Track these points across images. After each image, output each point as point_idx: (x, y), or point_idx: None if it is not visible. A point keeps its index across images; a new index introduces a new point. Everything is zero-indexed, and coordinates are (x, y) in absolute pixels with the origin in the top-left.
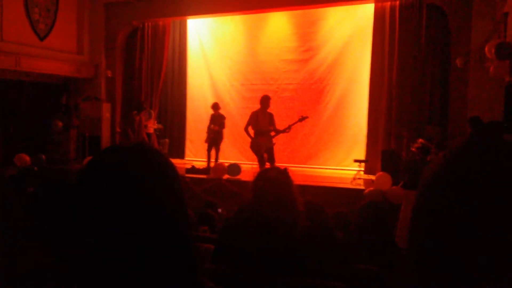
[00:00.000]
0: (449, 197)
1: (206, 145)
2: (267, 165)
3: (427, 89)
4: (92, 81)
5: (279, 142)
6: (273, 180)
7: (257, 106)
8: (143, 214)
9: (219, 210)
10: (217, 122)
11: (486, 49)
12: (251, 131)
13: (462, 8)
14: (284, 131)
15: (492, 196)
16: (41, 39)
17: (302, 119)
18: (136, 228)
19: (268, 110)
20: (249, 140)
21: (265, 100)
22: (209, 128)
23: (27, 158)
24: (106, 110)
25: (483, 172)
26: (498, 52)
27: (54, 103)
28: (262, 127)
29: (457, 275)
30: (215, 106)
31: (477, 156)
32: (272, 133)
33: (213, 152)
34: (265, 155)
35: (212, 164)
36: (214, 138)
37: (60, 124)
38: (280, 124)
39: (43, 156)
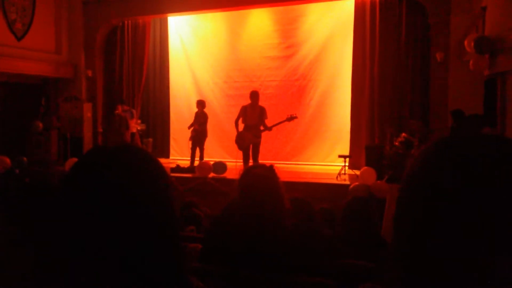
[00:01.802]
0: (432, 191)
1: (190, 143)
2: (251, 162)
3: (408, 84)
4: (72, 81)
5: (264, 140)
6: (259, 178)
7: (240, 103)
8: (130, 215)
9: (202, 208)
10: (198, 120)
11: (465, 43)
12: (241, 125)
13: (441, 3)
14: (270, 128)
15: (474, 188)
16: (18, 39)
17: (291, 118)
18: (123, 229)
19: (260, 104)
20: (234, 136)
21: (253, 95)
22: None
23: (8, 160)
24: (87, 110)
25: (465, 166)
26: (477, 46)
27: (34, 104)
28: (249, 122)
29: (440, 268)
30: (200, 104)
31: (458, 149)
32: (261, 127)
33: (197, 151)
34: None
35: (196, 163)
36: (196, 137)
37: (41, 125)
38: (266, 121)
39: (24, 159)
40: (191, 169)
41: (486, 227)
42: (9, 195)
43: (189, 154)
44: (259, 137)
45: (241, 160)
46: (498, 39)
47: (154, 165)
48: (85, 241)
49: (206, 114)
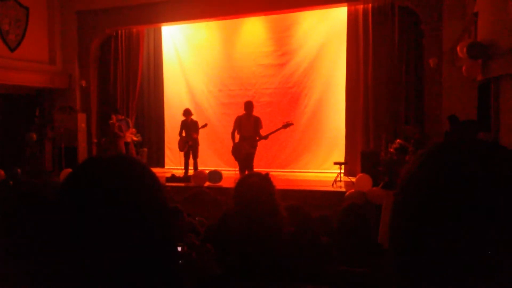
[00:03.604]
0: (427, 196)
1: (183, 153)
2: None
3: (402, 90)
4: (66, 91)
5: (259, 148)
6: (255, 186)
7: (235, 111)
8: (125, 224)
9: (197, 218)
10: (194, 129)
11: (458, 49)
12: (237, 136)
13: (433, 9)
14: (266, 137)
15: (469, 193)
16: (12, 50)
17: (287, 125)
18: (118, 238)
19: (254, 114)
20: (230, 145)
21: (247, 106)
22: (180, 135)
23: (2, 172)
24: (81, 121)
25: (459, 171)
26: (469, 52)
27: (28, 115)
28: (244, 132)
29: (437, 274)
30: (188, 112)
31: (453, 154)
32: (257, 137)
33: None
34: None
35: (190, 172)
36: (193, 146)
37: (35, 136)
38: (261, 130)
39: (19, 170)
40: (186, 178)
41: (483, 229)
42: (3, 207)
43: (184, 164)
44: (255, 147)
45: (236, 169)
46: (491, 44)
47: (147, 174)
48: (81, 249)
49: (197, 121)
